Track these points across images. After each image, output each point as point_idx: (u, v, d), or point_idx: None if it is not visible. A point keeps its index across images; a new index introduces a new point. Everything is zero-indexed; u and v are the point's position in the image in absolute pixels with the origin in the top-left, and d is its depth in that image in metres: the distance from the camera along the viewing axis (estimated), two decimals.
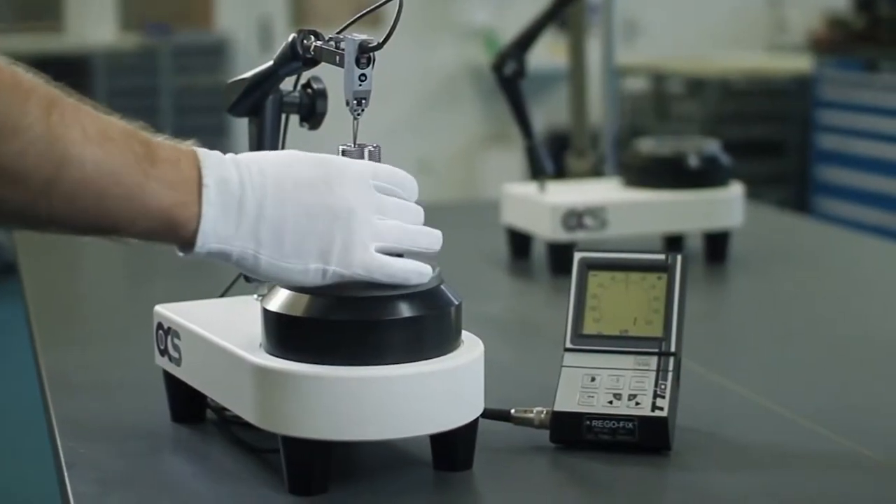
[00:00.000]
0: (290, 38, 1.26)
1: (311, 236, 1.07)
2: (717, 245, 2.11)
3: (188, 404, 1.30)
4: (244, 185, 1.07)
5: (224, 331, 1.20)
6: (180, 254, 1.09)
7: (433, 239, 1.13)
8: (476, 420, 1.16)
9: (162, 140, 1.07)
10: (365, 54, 1.16)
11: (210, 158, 1.07)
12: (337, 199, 1.08)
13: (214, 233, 1.06)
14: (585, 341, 1.25)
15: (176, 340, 1.27)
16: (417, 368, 1.09)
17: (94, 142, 1.01)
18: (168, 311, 1.29)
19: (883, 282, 2.14)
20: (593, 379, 1.24)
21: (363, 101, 1.18)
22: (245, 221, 1.07)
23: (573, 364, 1.25)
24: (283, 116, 1.33)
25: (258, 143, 1.31)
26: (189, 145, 1.08)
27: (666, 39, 6.93)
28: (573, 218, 2.01)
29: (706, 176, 2.10)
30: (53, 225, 1.04)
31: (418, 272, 1.11)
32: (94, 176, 1.01)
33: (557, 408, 1.23)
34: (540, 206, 2.04)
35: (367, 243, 1.08)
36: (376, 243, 1.09)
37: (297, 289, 1.10)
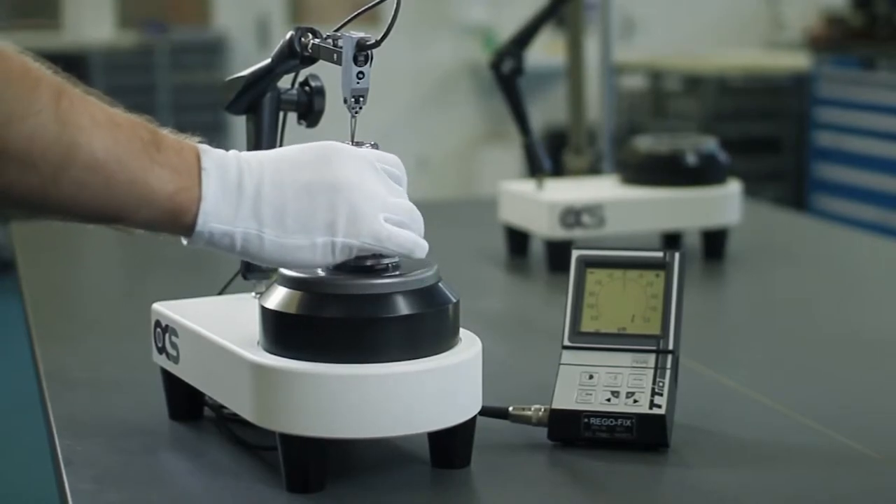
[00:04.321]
0: (287, 36, 1.26)
1: (314, 210, 1.08)
2: (714, 242, 2.11)
3: (186, 402, 1.30)
4: (241, 169, 1.08)
5: (222, 328, 1.20)
6: (185, 242, 1.09)
7: (423, 226, 1.13)
8: (474, 418, 1.16)
9: (165, 131, 1.08)
10: (363, 52, 1.16)
11: (209, 148, 1.09)
12: (337, 173, 1.08)
13: (215, 214, 1.06)
14: (583, 339, 1.26)
15: (174, 338, 1.27)
16: (415, 366, 1.09)
17: (103, 128, 1.02)
18: (166, 309, 1.30)
19: (880, 279, 2.14)
20: (591, 377, 1.24)
21: (361, 99, 1.18)
22: (244, 201, 1.07)
23: (571, 362, 1.25)
24: (281, 114, 1.33)
25: (256, 141, 1.31)
26: (192, 139, 1.10)
27: (663, 37, 6.93)
28: (571, 215, 2.01)
29: (704, 173, 2.10)
30: (61, 210, 1.05)
31: (421, 245, 1.11)
32: (102, 161, 1.02)
33: (555, 405, 1.23)
34: (538, 203, 2.04)
35: (376, 213, 1.08)
36: (386, 214, 1.09)
37: (300, 283, 1.10)
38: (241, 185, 1.07)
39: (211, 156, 1.08)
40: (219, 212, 1.07)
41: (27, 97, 0.99)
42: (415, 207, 1.12)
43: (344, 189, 1.08)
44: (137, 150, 1.04)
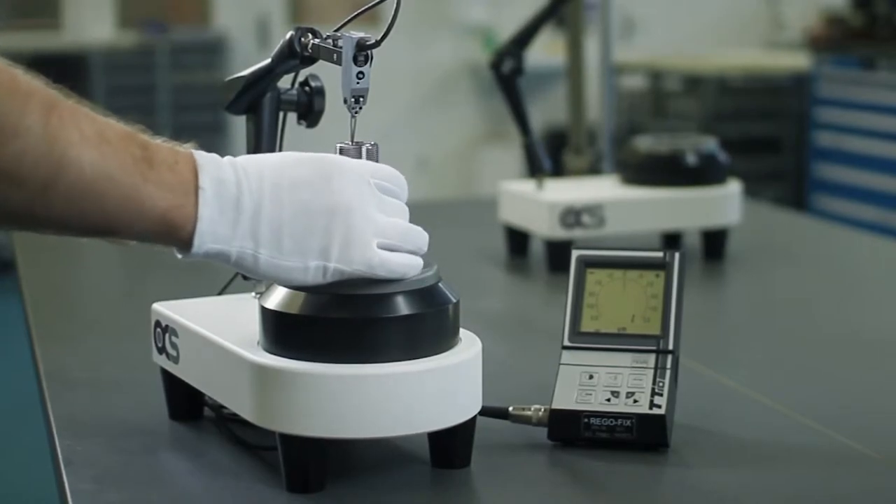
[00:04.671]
0: (287, 36, 1.26)
1: (311, 234, 1.07)
2: (714, 242, 2.11)
3: (186, 402, 1.30)
4: (241, 186, 1.07)
5: (222, 329, 1.20)
6: (179, 256, 1.09)
7: (425, 239, 1.13)
8: (474, 418, 1.16)
9: (160, 142, 1.07)
10: (363, 52, 1.16)
11: (207, 161, 1.07)
12: (335, 197, 1.08)
13: (212, 234, 1.06)
14: (583, 339, 1.26)
15: (174, 338, 1.27)
16: (415, 366, 1.09)
17: (93, 144, 1.01)
18: (166, 309, 1.29)
19: (880, 279, 2.14)
20: (591, 377, 1.24)
21: (361, 99, 1.18)
22: (242, 221, 1.07)
23: (571, 362, 1.25)
24: (281, 114, 1.33)
25: (256, 141, 1.31)
26: (188, 148, 1.09)
27: (663, 37, 6.94)
28: (571, 215, 2.01)
29: (704, 173, 2.10)
30: (51, 227, 1.05)
31: (414, 266, 1.11)
32: (92, 178, 1.01)
33: (555, 405, 1.23)
34: (538, 203, 2.04)
35: (369, 239, 1.08)
36: (379, 239, 1.09)
37: (297, 287, 1.10)
38: (239, 204, 1.06)
39: (208, 171, 1.06)
40: (215, 231, 1.06)
41: (17, 113, 0.98)
42: (410, 226, 1.11)
43: (340, 213, 1.08)
44: (128, 167, 1.03)
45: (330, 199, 1.08)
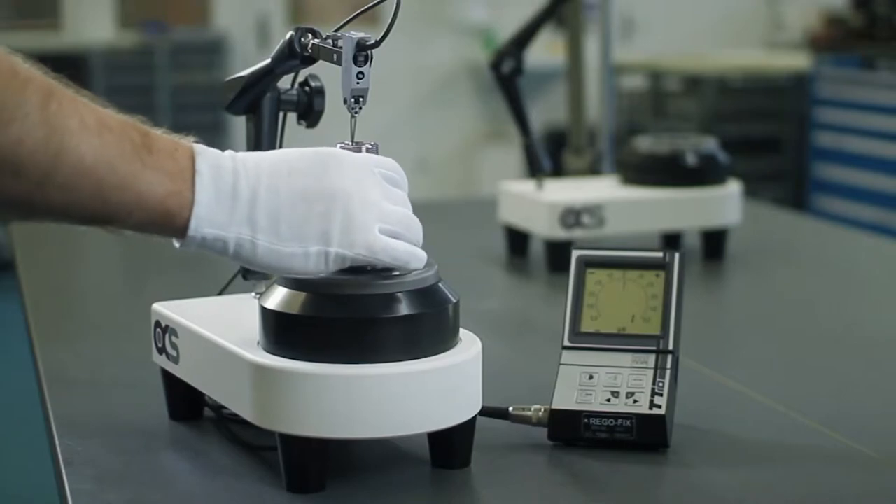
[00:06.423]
0: (287, 36, 1.26)
1: (309, 219, 1.07)
2: (714, 243, 2.11)
3: (186, 402, 1.30)
4: (237, 172, 1.07)
5: (222, 329, 1.20)
6: (177, 245, 1.08)
7: (421, 232, 1.13)
8: (474, 418, 1.16)
9: (160, 132, 1.07)
10: (363, 52, 1.16)
11: (205, 149, 1.08)
12: (334, 182, 1.08)
13: (209, 219, 1.06)
14: (583, 339, 1.26)
15: (174, 338, 1.27)
16: (415, 366, 1.09)
17: (92, 131, 1.01)
18: (166, 309, 1.29)
19: (879, 279, 2.14)
20: (591, 377, 1.24)
21: (361, 99, 1.18)
22: (239, 207, 1.06)
23: (571, 362, 1.25)
24: (281, 114, 1.33)
25: (256, 141, 1.31)
26: (187, 140, 1.09)
27: (663, 37, 6.94)
28: (571, 216, 2.01)
29: (704, 174, 2.10)
30: (50, 214, 1.04)
31: (418, 257, 1.11)
32: (91, 165, 1.01)
33: (555, 406, 1.23)
34: (538, 203, 2.04)
35: (371, 224, 1.08)
36: (382, 225, 1.08)
37: (299, 283, 1.10)
38: (236, 190, 1.06)
39: (206, 157, 1.06)
40: (212, 216, 1.06)
41: (15, 100, 0.98)
42: (412, 216, 1.11)
43: (340, 198, 1.07)
44: (128, 154, 1.03)
45: (328, 184, 1.08)
